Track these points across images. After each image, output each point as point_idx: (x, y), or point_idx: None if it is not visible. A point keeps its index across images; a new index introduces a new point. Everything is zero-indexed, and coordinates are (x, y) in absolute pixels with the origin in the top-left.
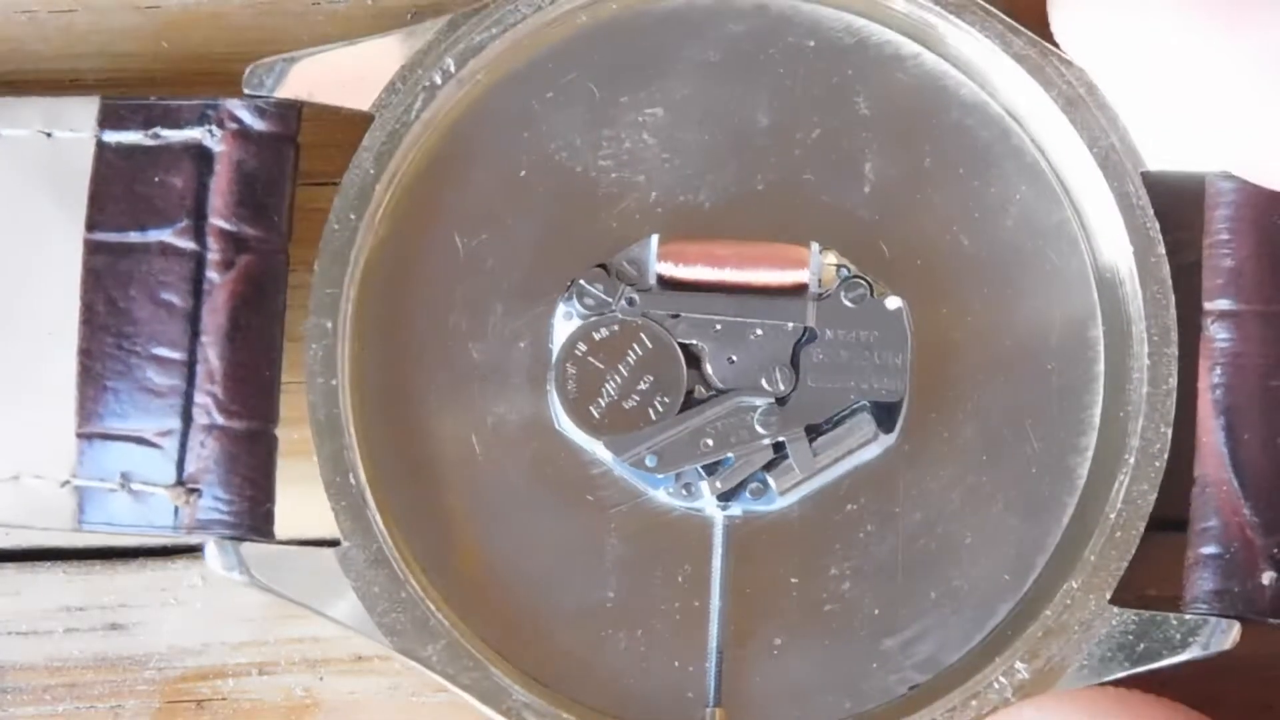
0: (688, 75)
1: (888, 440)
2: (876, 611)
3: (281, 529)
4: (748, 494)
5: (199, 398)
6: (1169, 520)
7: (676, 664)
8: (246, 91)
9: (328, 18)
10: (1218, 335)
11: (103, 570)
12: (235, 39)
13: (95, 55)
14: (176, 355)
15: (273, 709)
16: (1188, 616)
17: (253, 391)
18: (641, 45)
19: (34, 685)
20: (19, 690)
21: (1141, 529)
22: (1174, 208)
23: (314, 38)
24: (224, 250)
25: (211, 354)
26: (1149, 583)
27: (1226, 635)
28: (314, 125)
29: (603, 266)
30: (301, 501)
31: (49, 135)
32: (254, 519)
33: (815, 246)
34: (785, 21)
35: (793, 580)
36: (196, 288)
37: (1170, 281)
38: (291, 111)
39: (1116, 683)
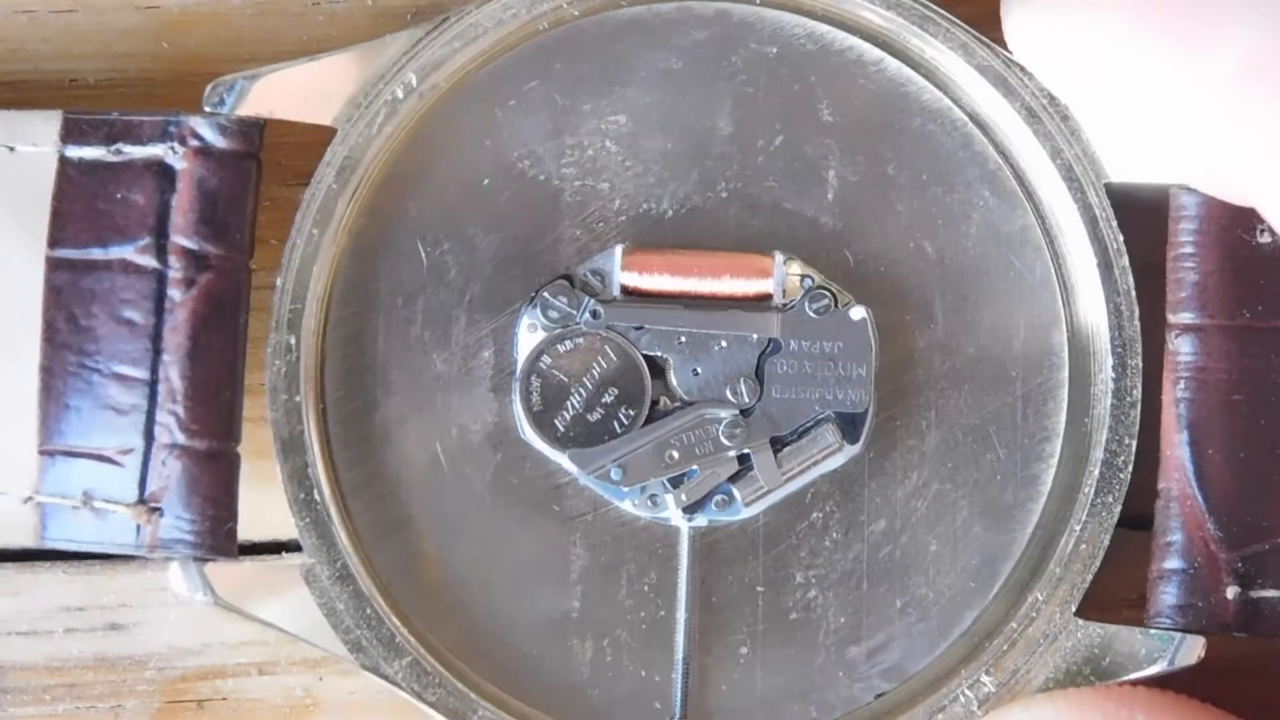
0: (650, 83)
1: (853, 450)
2: (842, 620)
3: (256, 529)
4: (713, 505)
5: (161, 416)
6: (1137, 517)
7: (643, 674)
8: (206, 109)
9: (328, 18)
10: (1181, 349)
11: (103, 570)
12: (235, 39)
13: (95, 55)
14: (138, 373)
15: (273, 709)
16: (1153, 632)
17: (214, 411)
18: (603, 53)
19: (34, 685)
20: (19, 690)
21: (1106, 541)
22: (1139, 216)
23: (314, 38)
24: (185, 268)
25: (173, 373)
26: (1115, 580)
27: (1192, 650)
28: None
29: (566, 277)
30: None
31: (11, 149)
32: (215, 539)
33: (779, 257)
34: (747, 28)
35: (759, 589)
36: (158, 306)
37: (1135, 293)
38: (254, 129)
39: None
